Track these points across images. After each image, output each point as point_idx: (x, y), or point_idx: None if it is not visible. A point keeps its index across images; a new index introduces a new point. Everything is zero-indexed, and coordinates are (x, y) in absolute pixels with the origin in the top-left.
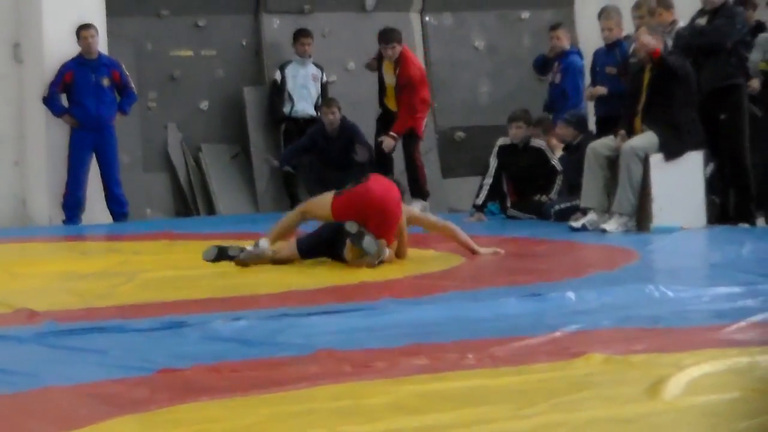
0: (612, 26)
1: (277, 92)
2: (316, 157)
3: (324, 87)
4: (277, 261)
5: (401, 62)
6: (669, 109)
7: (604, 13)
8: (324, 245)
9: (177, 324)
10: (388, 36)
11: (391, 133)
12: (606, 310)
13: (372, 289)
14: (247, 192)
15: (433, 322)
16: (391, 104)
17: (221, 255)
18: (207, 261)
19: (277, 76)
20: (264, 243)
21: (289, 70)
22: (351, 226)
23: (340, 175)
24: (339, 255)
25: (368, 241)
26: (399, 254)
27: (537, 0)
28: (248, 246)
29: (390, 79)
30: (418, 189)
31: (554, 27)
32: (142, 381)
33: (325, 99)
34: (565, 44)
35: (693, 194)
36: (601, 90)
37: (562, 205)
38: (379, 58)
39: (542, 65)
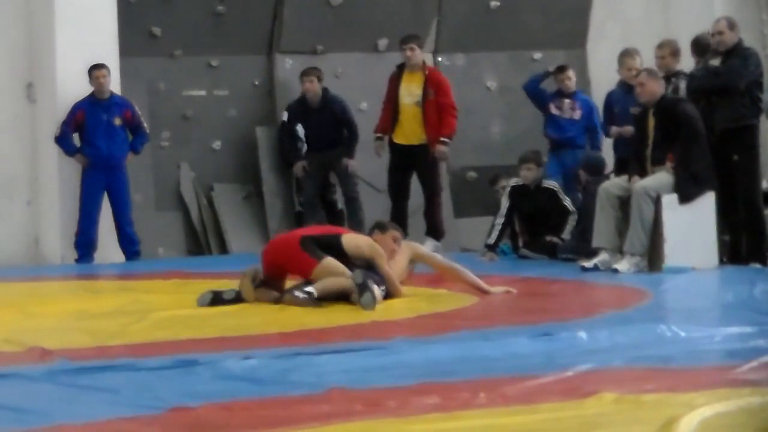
0: (637, 66)
1: (286, 134)
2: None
3: None
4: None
5: (427, 68)
6: (683, 154)
7: (627, 54)
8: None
9: (188, 362)
10: (407, 37)
11: (442, 138)
12: (617, 349)
13: (383, 328)
14: (260, 231)
15: (444, 361)
16: (406, 134)
17: (216, 300)
18: (201, 307)
19: (285, 117)
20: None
21: None
22: (357, 276)
23: (326, 158)
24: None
25: (367, 298)
26: (392, 293)
27: (549, 41)
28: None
29: (411, 95)
30: (433, 226)
31: (563, 68)
32: (154, 419)
33: (305, 68)
34: (574, 84)
35: (705, 234)
36: (629, 129)
37: (568, 255)
38: (397, 78)
39: (539, 90)
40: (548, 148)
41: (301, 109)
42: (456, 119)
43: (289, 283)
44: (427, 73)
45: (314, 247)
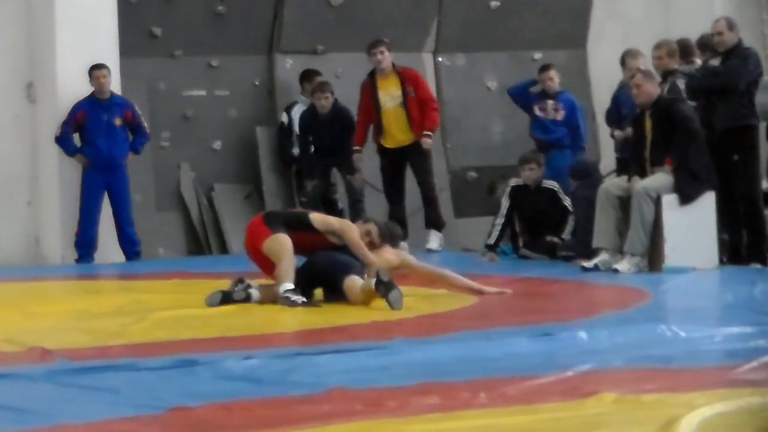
0: (640, 66)
1: (285, 134)
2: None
3: None
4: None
5: (398, 67)
6: (681, 154)
7: (631, 54)
8: (319, 276)
9: (189, 363)
10: (374, 42)
11: (426, 132)
12: (618, 349)
13: (383, 328)
14: None
15: (444, 361)
16: (394, 137)
17: (225, 300)
18: (211, 307)
19: (284, 118)
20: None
21: (295, 112)
22: (383, 274)
23: (331, 161)
24: (334, 287)
25: (395, 296)
26: (362, 262)
27: (549, 41)
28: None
29: (392, 98)
30: (433, 217)
31: (546, 68)
32: (154, 419)
33: (318, 83)
34: (558, 84)
35: (705, 234)
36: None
37: (568, 253)
38: (371, 86)
39: (524, 94)
40: (535, 149)
41: (311, 120)
42: (437, 111)
43: None
44: (400, 72)
45: (276, 222)
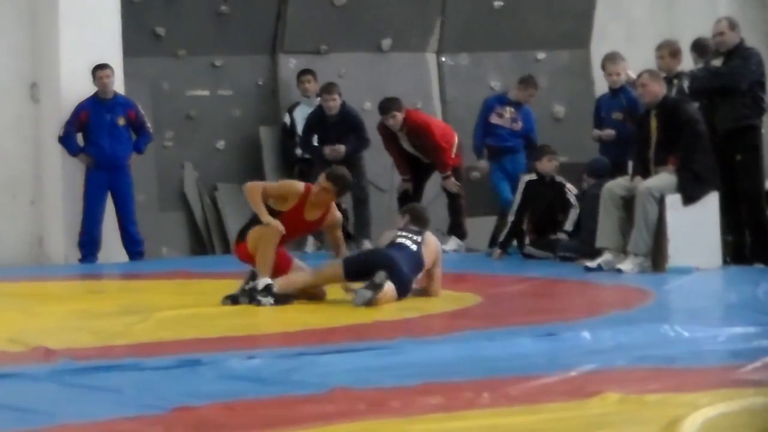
0: (620, 71)
1: (288, 135)
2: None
3: None
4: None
5: (406, 125)
6: (685, 154)
7: (610, 59)
8: (369, 269)
9: (192, 362)
10: (383, 106)
11: (442, 176)
12: (621, 349)
13: (387, 328)
14: None
15: (448, 361)
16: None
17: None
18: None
19: (287, 119)
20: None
21: (298, 112)
22: (359, 298)
23: (335, 162)
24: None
25: (359, 295)
26: (431, 292)
27: (553, 41)
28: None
29: (409, 147)
30: (455, 225)
31: (535, 85)
32: (157, 419)
33: (325, 84)
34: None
35: (709, 235)
36: (610, 132)
37: (567, 254)
38: (392, 138)
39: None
40: (486, 156)
41: (318, 121)
42: (445, 153)
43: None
44: (405, 131)
45: (243, 231)
